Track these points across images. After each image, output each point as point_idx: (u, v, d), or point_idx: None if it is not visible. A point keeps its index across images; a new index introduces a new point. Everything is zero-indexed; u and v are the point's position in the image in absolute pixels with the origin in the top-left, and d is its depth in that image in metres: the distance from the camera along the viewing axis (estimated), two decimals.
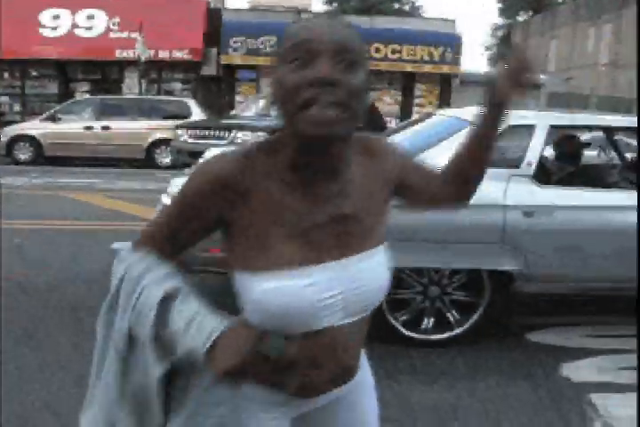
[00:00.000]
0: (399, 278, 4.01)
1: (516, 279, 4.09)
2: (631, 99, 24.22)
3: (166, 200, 4.24)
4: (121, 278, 1.24)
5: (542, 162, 4.58)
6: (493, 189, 3.92)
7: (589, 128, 5.94)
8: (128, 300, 1.21)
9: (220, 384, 1.17)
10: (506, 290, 4.22)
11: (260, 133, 10.90)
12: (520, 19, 48.57)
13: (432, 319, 4.19)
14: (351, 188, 1.27)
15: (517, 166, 4.12)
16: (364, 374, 1.48)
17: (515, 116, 3.43)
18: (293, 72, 1.13)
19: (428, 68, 21.89)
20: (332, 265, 1.23)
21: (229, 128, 11.89)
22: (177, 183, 4.40)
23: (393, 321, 4.09)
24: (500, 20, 53.84)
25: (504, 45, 47.98)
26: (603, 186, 4.95)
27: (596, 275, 4.30)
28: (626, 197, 4.35)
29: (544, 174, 4.45)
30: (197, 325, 1.13)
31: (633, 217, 4.12)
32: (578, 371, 3.92)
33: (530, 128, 4.24)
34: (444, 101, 22.37)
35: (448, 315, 4.21)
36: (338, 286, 1.23)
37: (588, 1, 32.38)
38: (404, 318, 4.16)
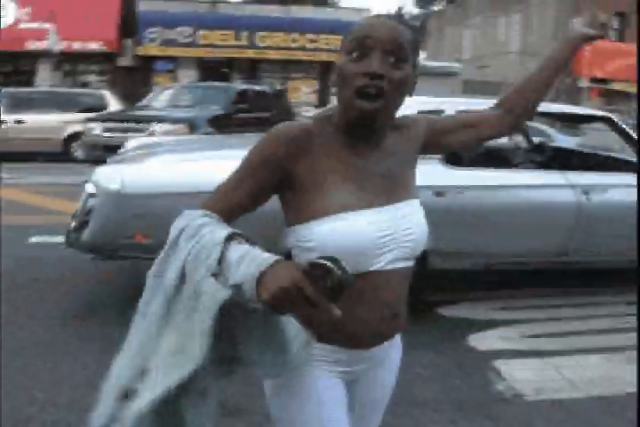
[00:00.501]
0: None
1: (429, 256, 4.29)
2: None
3: (91, 189, 4.25)
4: (182, 228, 1.31)
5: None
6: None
7: None
8: (187, 244, 1.28)
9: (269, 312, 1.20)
10: (419, 266, 4.37)
11: (179, 125, 10.60)
12: (435, 8, 49.34)
13: None
14: (390, 153, 1.50)
15: None
16: (398, 349, 1.65)
17: (423, 102, 4.16)
18: (352, 62, 1.37)
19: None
20: (383, 209, 1.42)
21: (147, 120, 11.21)
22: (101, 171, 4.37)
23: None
24: (415, 10, 54.76)
25: (420, 35, 48.80)
26: (509, 167, 5.30)
27: (501, 250, 4.63)
28: (529, 177, 4.77)
29: (454, 157, 4.66)
30: (250, 257, 1.20)
31: (536, 195, 4.52)
32: (483, 340, 4.19)
33: (438, 113, 4.34)
34: None
35: None
36: (391, 227, 1.41)
37: None
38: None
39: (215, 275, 1.23)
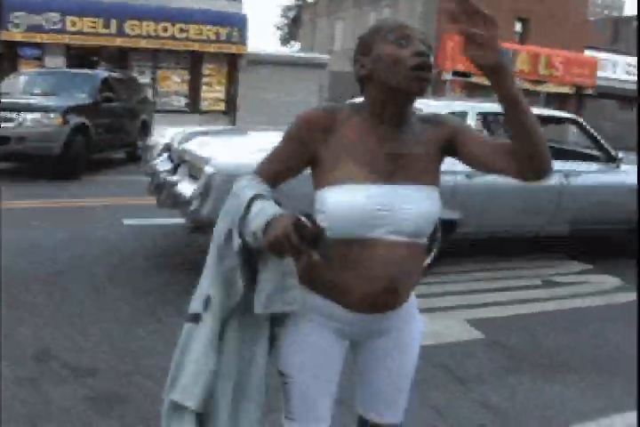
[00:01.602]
0: None
1: (458, 226, 5.57)
2: None
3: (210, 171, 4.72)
4: (234, 192, 1.69)
5: None
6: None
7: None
8: (232, 200, 1.67)
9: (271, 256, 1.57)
10: (451, 235, 5.64)
11: (52, 115, 9.70)
12: (310, 0, 49.91)
13: None
14: (408, 139, 1.70)
15: None
16: (412, 328, 1.85)
17: (450, 106, 5.87)
18: (399, 48, 1.61)
19: (214, 48, 22.18)
20: (385, 186, 1.64)
21: (16, 109, 9.79)
22: None
23: None
24: (290, 1, 55.21)
25: (294, 26, 49.19)
26: None
27: (512, 222, 6.02)
28: None
29: None
30: (263, 212, 1.53)
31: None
32: None
33: (464, 114, 5.77)
34: (232, 81, 22.88)
35: None
36: (388, 203, 1.62)
37: None
38: None
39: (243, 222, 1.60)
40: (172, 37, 21.46)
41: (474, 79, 25.67)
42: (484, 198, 5.70)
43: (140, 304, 4.51)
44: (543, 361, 4.04)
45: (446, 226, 5.46)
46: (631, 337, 4.54)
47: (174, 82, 22.25)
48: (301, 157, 1.71)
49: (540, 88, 27.48)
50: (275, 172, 1.74)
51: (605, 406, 3.47)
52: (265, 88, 22.94)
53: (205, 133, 6.28)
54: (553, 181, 5.99)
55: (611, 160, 6.60)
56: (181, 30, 21.59)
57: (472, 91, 26.14)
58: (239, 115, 23.07)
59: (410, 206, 1.64)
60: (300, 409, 1.76)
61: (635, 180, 6.57)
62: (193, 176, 5.15)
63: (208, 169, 4.71)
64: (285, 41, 55.84)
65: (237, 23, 22.51)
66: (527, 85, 25.58)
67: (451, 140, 1.73)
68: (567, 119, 6.80)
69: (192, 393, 1.64)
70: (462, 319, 4.64)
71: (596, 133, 6.64)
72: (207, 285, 1.69)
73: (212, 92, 23.02)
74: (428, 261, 5.47)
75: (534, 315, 4.89)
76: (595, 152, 6.83)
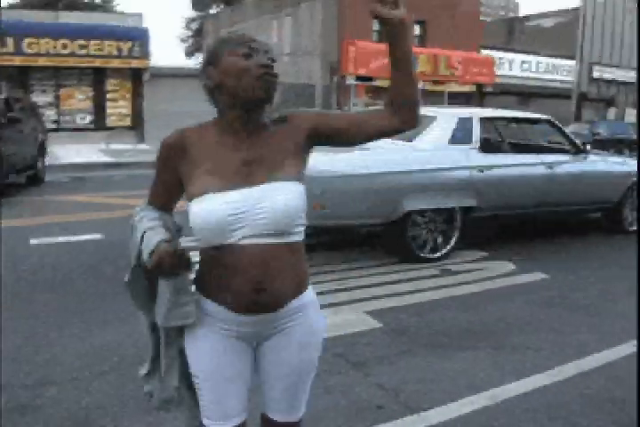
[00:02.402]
0: (413, 220, 6.33)
1: (475, 211, 6.66)
2: (310, 84, 26.55)
3: None
4: (132, 225, 1.88)
5: (484, 138, 7.16)
6: (461, 157, 6.54)
7: (505, 120, 8.34)
8: (132, 233, 1.86)
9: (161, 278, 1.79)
10: (468, 219, 6.70)
11: None
12: (211, 11, 49.83)
13: (431, 243, 6.54)
14: (263, 142, 1.82)
15: (469, 143, 6.69)
16: (310, 324, 1.92)
17: (458, 113, 7.01)
18: (246, 60, 1.76)
19: (117, 63, 21.95)
20: (242, 190, 1.74)
21: None
22: None
23: (412, 246, 6.35)
24: (193, 13, 54.96)
25: (198, 37, 49.03)
26: (512, 152, 7.67)
27: (516, 205, 7.12)
28: (521, 158, 7.34)
29: (486, 146, 7.05)
30: (147, 246, 1.74)
31: (526, 168, 7.19)
32: None
33: (470, 120, 6.84)
34: (137, 96, 22.70)
35: (439, 240, 6.57)
36: (244, 206, 1.71)
37: None
38: (416, 244, 6.39)
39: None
40: (73, 54, 21.13)
41: (377, 83, 26.25)
42: (494, 188, 6.76)
43: (43, 317, 4.57)
44: (437, 342, 4.33)
45: (466, 211, 6.64)
46: (518, 313, 4.89)
47: (78, 99, 21.92)
48: (172, 179, 1.87)
49: (442, 88, 28.30)
50: (160, 198, 1.94)
51: (497, 376, 3.75)
52: (171, 101, 22.84)
53: None
54: (540, 170, 7.25)
55: (580, 152, 7.86)
56: (81, 46, 21.27)
57: (376, 94, 26.72)
58: (146, 129, 22.92)
59: (264, 204, 1.72)
60: (210, 407, 1.89)
61: (603, 167, 8.08)
62: None
63: None
64: (190, 53, 55.58)
65: (139, 37, 22.34)
66: (429, 86, 26.31)
67: (313, 130, 1.86)
68: (542, 120, 8.09)
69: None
70: (362, 311, 4.87)
71: (567, 131, 8.01)
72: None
73: (118, 108, 22.78)
74: (452, 243, 6.66)
75: (431, 302, 5.17)
76: (566, 146, 8.01)
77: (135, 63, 22.30)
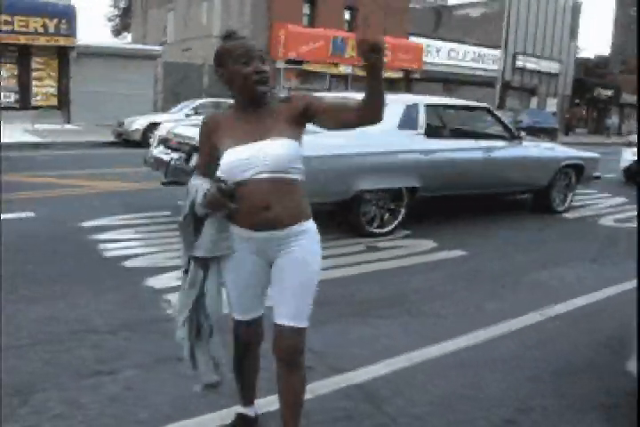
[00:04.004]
0: (364, 198, 6.82)
1: (419, 191, 7.19)
2: None
3: None
4: (190, 185, 2.59)
5: (428, 124, 7.57)
6: (408, 141, 7.13)
7: (447, 107, 8.91)
8: (189, 188, 2.58)
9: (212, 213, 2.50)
10: (414, 198, 7.24)
11: None
12: None
13: (378, 220, 7.06)
14: (266, 115, 2.50)
15: (415, 128, 7.25)
16: (308, 247, 2.53)
17: (405, 99, 7.60)
18: (244, 66, 2.42)
19: (42, 40, 21.51)
20: (250, 144, 2.43)
21: None
22: None
23: (362, 222, 6.85)
24: None
25: (126, 17, 48.13)
26: (454, 138, 8.21)
27: (456, 186, 7.76)
28: (462, 143, 7.92)
29: (430, 132, 7.54)
30: (200, 190, 2.49)
31: (466, 153, 7.78)
32: (160, 281, 5.00)
33: (416, 106, 7.37)
34: (64, 75, 22.29)
35: (386, 217, 7.11)
36: (252, 154, 2.41)
37: None
38: (365, 219, 6.90)
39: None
40: None
41: (307, 67, 26.45)
42: (437, 170, 7.31)
43: None
44: (358, 311, 4.64)
45: (411, 191, 7.18)
46: (434, 285, 5.24)
47: (2, 77, 21.39)
48: (209, 148, 2.57)
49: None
50: (203, 167, 2.64)
51: (413, 341, 4.07)
52: (98, 81, 22.57)
53: (197, 125, 7.42)
54: (479, 154, 7.90)
55: (515, 138, 8.55)
56: (6, 22, 20.75)
57: (306, 78, 26.94)
58: (73, 109, 22.55)
59: (266, 151, 2.41)
60: (235, 305, 2.65)
61: (535, 152, 8.77)
62: None
63: None
64: (117, 32, 54.54)
65: (65, 14, 21.97)
66: (358, 71, 26.64)
67: (305, 110, 2.49)
68: (479, 107, 8.82)
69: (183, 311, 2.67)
70: None
71: (502, 118, 8.73)
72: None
73: (43, 87, 22.38)
74: (399, 219, 7.23)
75: (355, 276, 5.48)
76: (502, 133, 8.69)
77: (62, 41, 21.92)
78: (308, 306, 2.51)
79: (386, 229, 7.09)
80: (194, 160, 6.71)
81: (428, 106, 7.59)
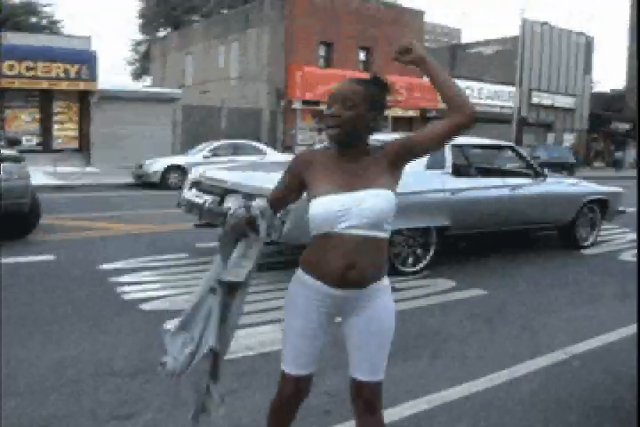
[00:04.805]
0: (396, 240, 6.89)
1: (448, 229, 7.33)
2: (257, 108, 26.77)
3: None
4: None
5: (455, 164, 7.69)
6: (436, 181, 7.27)
7: (473, 146, 8.99)
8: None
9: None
10: (443, 236, 7.40)
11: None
12: (160, 35, 49.86)
13: (411, 259, 7.15)
14: (363, 163, 2.40)
15: (443, 168, 7.40)
16: (384, 304, 2.46)
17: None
18: (327, 109, 2.37)
19: (64, 85, 21.94)
20: (345, 193, 2.33)
21: None
22: None
23: (394, 262, 6.87)
24: (140, 36, 54.94)
25: (145, 60, 49.00)
26: (481, 176, 8.24)
27: (483, 224, 7.88)
28: (489, 181, 8.07)
29: (458, 171, 7.71)
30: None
31: (493, 190, 7.92)
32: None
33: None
34: (85, 118, 22.65)
35: (417, 255, 7.20)
36: (347, 205, 2.31)
37: (218, 20, 34.81)
38: (397, 259, 6.96)
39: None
40: (20, 76, 21.08)
41: (323, 107, 26.66)
42: (464, 209, 7.46)
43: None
44: None
45: (440, 230, 7.30)
46: (454, 325, 5.18)
47: (24, 121, 21.80)
48: (294, 184, 2.51)
49: (387, 112, 28.88)
50: (279, 194, 2.60)
51: (435, 383, 4.01)
52: (118, 124, 22.89)
53: (229, 169, 8.43)
54: (505, 192, 8.03)
55: (539, 175, 8.67)
56: (28, 68, 21.23)
57: (322, 118, 27.12)
58: (93, 152, 22.86)
59: (366, 205, 2.31)
60: (288, 357, 2.53)
61: (559, 188, 8.89)
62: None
63: None
64: (137, 76, 55.51)
65: (87, 60, 22.45)
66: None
67: (401, 148, 2.41)
68: (504, 146, 9.20)
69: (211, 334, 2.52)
70: None
71: (528, 156, 8.94)
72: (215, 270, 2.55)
73: (65, 130, 22.76)
74: (424, 262, 7.26)
75: None
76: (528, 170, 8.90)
77: (83, 85, 22.34)
78: (384, 361, 2.50)
79: (416, 268, 7.15)
80: (227, 202, 7.02)
81: (455, 146, 7.69)
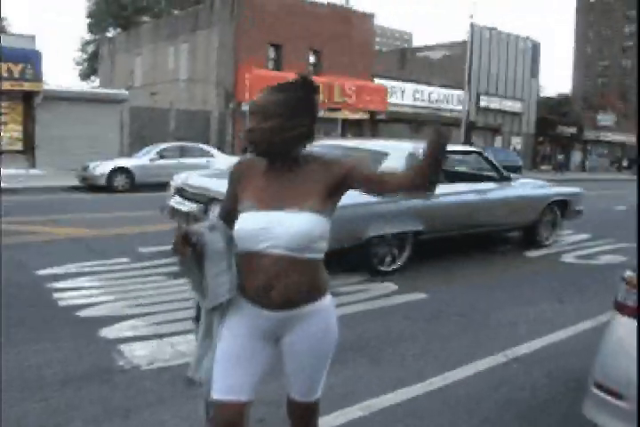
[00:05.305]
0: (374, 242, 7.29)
1: (423, 233, 7.71)
2: (206, 110, 26.60)
3: None
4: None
5: None
6: None
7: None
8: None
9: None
10: (417, 239, 7.72)
11: None
12: (109, 35, 49.19)
13: (388, 259, 7.49)
14: (295, 178, 2.28)
15: None
16: (322, 325, 2.35)
17: (406, 148, 7.83)
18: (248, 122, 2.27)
19: (8, 85, 21.39)
20: (269, 212, 2.23)
21: None
22: None
23: (373, 262, 7.32)
24: (89, 36, 54.10)
25: (94, 61, 48.30)
26: (451, 182, 8.38)
27: (453, 227, 8.27)
28: (458, 187, 8.34)
29: None
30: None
31: (461, 196, 8.22)
32: (112, 331, 4.89)
33: (416, 154, 7.32)
34: (29, 119, 22.19)
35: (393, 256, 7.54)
36: (270, 224, 2.20)
37: (167, 21, 34.48)
38: (376, 260, 7.34)
39: None
40: None
41: None
42: (436, 213, 7.77)
43: None
44: None
45: (415, 234, 7.67)
46: (395, 329, 5.18)
47: None
48: (233, 195, 2.39)
49: (336, 115, 29.00)
50: (226, 209, 2.46)
51: (373, 388, 3.99)
52: (63, 125, 22.46)
53: (212, 176, 8.43)
54: (474, 197, 8.39)
55: (504, 179, 9.15)
56: None
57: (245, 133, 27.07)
58: (38, 154, 22.40)
59: (288, 226, 2.19)
60: (218, 381, 2.30)
61: (523, 191, 9.26)
62: None
63: None
64: (86, 76, 54.67)
65: (31, 59, 21.91)
66: (324, 114, 26.89)
67: (345, 177, 2.28)
68: (473, 152, 9.58)
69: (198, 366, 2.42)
70: None
71: (494, 161, 9.30)
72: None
73: (8, 131, 22.20)
74: (400, 262, 7.61)
75: None
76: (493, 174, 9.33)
77: (27, 86, 21.85)
78: (320, 381, 2.46)
79: (393, 268, 7.52)
80: (213, 211, 7.10)
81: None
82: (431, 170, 2.15)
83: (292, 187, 2.26)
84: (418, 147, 7.79)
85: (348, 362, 4.47)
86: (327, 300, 2.35)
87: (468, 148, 10.09)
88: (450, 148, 9.69)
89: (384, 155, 7.52)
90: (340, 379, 4.13)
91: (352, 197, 6.60)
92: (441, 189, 7.68)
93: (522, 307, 6.17)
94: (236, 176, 2.41)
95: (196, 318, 2.45)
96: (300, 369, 2.39)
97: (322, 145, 7.95)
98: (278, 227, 2.19)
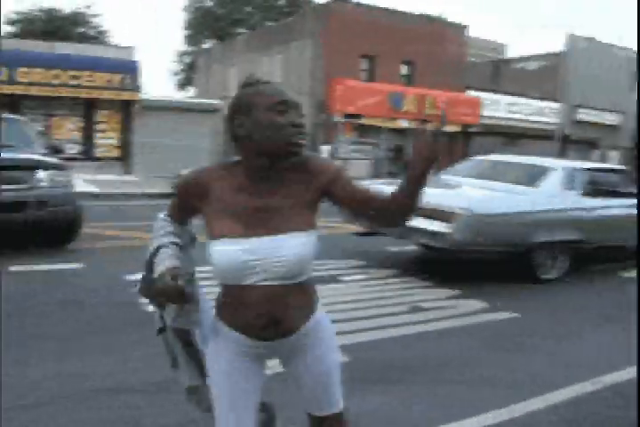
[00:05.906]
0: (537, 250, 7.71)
1: (582, 243, 8.09)
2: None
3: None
4: (153, 230, 2.14)
5: (584, 185, 8.57)
6: (573, 200, 8.25)
7: (598, 170, 9.26)
8: (150, 242, 2.11)
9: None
10: (574, 250, 8.14)
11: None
12: (204, 46, 50.30)
13: (548, 268, 7.91)
14: (280, 191, 1.97)
15: (577, 189, 8.38)
16: (324, 342, 2.16)
17: (567, 165, 8.82)
18: (278, 116, 1.90)
19: (107, 95, 22.26)
20: (258, 238, 1.91)
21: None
22: None
23: (534, 269, 7.76)
24: (185, 47, 55.50)
25: (190, 71, 49.50)
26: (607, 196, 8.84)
27: (608, 239, 8.70)
28: (619, 201, 8.79)
29: (587, 191, 8.53)
30: (157, 267, 1.95)
31: (619, 212, 8.66)
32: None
33: (576, 170, 8.58)
34: (127, 127, 22.89)
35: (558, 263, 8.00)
36: (259, 254, 1.89)
37: (261, 33, 35.05)
38: (536, 267, 7.77)
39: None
40: (64, 85, 21.44)
41: (364, 121, 26.62)
42: (595, 225, 8.21)
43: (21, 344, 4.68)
44: (377, 378, 4.41)
45: (575, 243, 8.00)
46: (473, 349, 5.04)
47: (68, 129, 22.14)
48: (187, 210, 2.11)
49: (427, 127, 28.66)
50: (177, 216, 2.16)
51: (434, 414, 3.83)
52: (159, 134, 23.08)
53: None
54: (624, 211, 8.68)
55: None
56: (73, 77, 21.59)
57: (363, 132, 27.09)
58: (134, 161, 23.10)
59: (281, 254, 1.91)
60: (222, 420, 2.09)
61: None
62: (434, 218, 7.13)
63: (465, 212, 7.08)
64: (182, 86, 56.07)
65: (130, 70, 22.73)
66: (414, 125, 26.68)
67: (329, 186, 2.01)
68: (619, 170, 9.82)
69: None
70: None
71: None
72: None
73: (107, 139, 23.02)
74: (565, 268, 8.07)
75: (387, 339, 5.25)
76: None
77: (126, 95, 22.61)
78: (338, 391, 2.23)
79: (552, 276, 7.93)
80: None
81: (584, 169, 8.68)
82: (419, 189, 1.93)
83: (276, 203, 1.96)
84: (575, 164, 8.87)
85: (411, 383, 4.34)
86: (319, 313, 2.15)
87: (617, 166, 10.63)
88: (604, 166, 9.89)
89: (546, 169, 8.33)
90: (396, 402, 4.03)
91: (518, 205, 7.50)
92: (599, 202, 8.23)
93: (614, 331, 5.89)
94: (195, 190, 2.00)
95: (160, 330, 2.22)
96: (313, 387, 2.17)
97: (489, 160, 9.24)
98: (268, 257, 1.91)
